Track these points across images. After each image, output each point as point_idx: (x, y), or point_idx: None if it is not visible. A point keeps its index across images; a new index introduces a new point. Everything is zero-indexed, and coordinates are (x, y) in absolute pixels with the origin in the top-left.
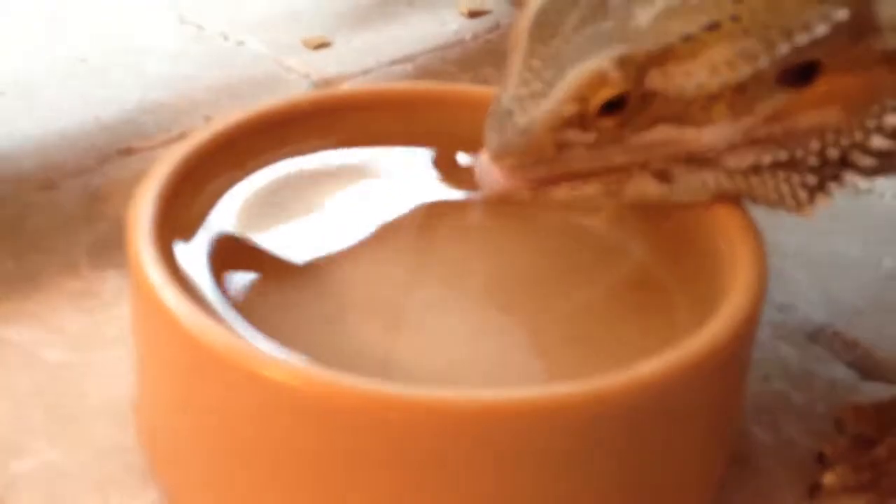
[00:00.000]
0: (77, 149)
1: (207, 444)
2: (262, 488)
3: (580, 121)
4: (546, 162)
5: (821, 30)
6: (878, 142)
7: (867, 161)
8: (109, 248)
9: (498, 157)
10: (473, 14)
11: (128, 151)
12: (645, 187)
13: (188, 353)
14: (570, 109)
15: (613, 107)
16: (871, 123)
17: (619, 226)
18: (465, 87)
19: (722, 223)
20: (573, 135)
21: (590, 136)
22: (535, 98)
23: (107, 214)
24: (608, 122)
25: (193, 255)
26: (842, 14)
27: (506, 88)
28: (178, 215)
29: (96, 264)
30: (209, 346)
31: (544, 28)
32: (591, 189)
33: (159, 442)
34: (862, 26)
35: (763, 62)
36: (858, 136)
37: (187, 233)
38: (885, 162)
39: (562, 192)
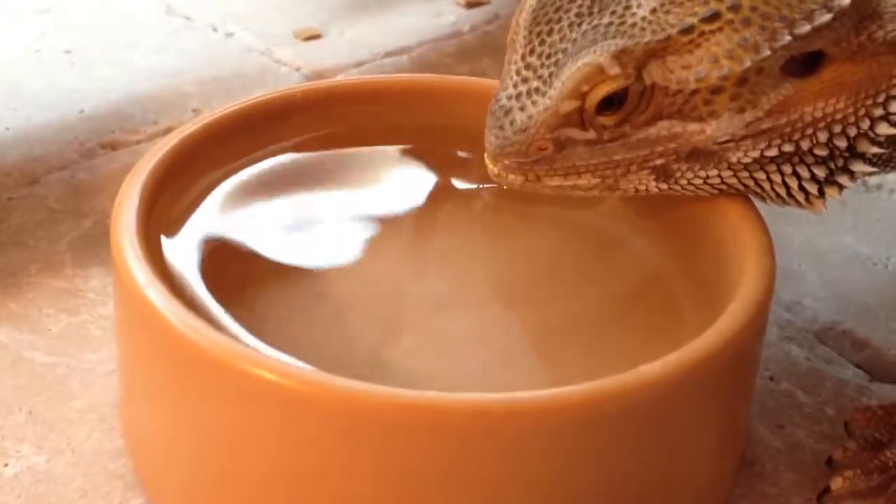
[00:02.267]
0: (61, 142)
1: (194, 448)
2: (251, 493)
3: (579, 118)
4: (546, 160)
5: (823, 18)
6: (884, 130)
7: (875, 150)
8: (94, 245)
9: (497, 156)
10: (471, 4)
11: (113, 145)
12: (643, 184)
13: (174, 354)
14: (568, 106)
15: (612, 103)
16: (877, 112)
17: (623, 221)
18: (462, 80)
19: (728, 218)
20: (572, 133)
21: (589, 134)
22: (532, 96)
23: (91, 210)
24: (607, 120)
25: (180, 252)
26: (844, 2)
27: (504, 86)
28: (165, 211)
29: (81, 261)
30: (196, 346)
31: (542, 24)
32: (585, 181)
33: (145, 446)
34: (865, 14)
35: (765, 52)
36: (865, 125)
37: (174, 229)
38: (893, 151)
39: (555, 182)
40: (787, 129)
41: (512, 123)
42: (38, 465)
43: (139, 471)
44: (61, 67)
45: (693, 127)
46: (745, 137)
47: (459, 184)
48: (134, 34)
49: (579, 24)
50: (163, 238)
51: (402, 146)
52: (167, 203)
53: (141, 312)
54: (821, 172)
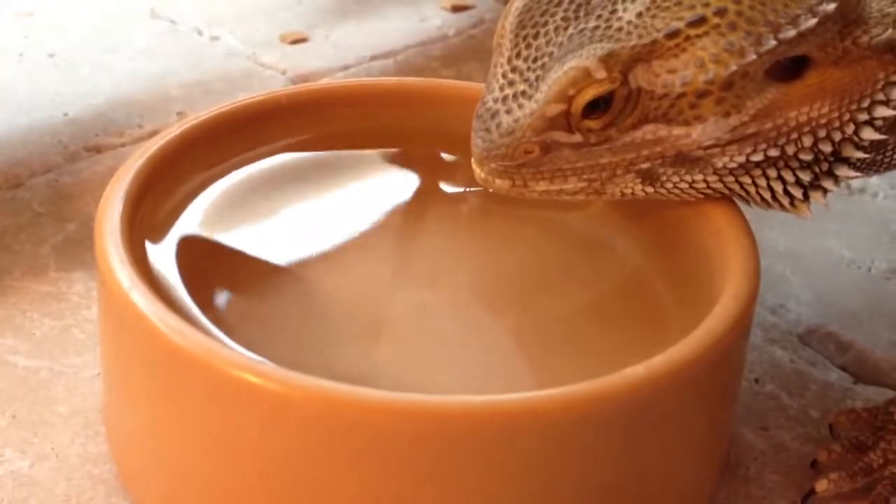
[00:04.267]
0: (45, 146)
1: (179, 452)
2: (236, 497)
3: (565, 122)
4: (532, 163)
5: (808, 23)
6: (869, 135)
7: (859, 154)
8: (78, 249)
9: (483, 159)
10: (456, 8)
11: (97, 149)
12: (629, 187)
13: (159, 358)
14: (554, 110)
15: (598, 107)
16: (861, 117)
17: (608, 224)
18: (448, 83)
19: (713, 221)
20: (558, 136)
21: (576, 137)
22: (519, 99)
23: (75, 213)
24: (594, 124)
25: (164, 255)
26: (829, 7)
27: (490, 89)
28: (149, 215)
29: (64, 265)
30: (181, 349)
31: (528, 27)
32: (571, 185)
33: (129, 450)
34: (850, 19)
35: (750, 57)
36: (850, 129)
37: (158, 233)
38: (878, 156)
39: (542, 186)
40: (773, 134)
41: (498, 126)
42: (22, 470)
43: (123, 475)
44: (45, 71)
45: (678, 131)
46: (730, 142)
47: (445, 187)
48: (118, 37)
49: (565, 28)
50: (147, 241)
51: (387, 149)
52: (151, 206)
53: (125, 316)
54: (805, 177)
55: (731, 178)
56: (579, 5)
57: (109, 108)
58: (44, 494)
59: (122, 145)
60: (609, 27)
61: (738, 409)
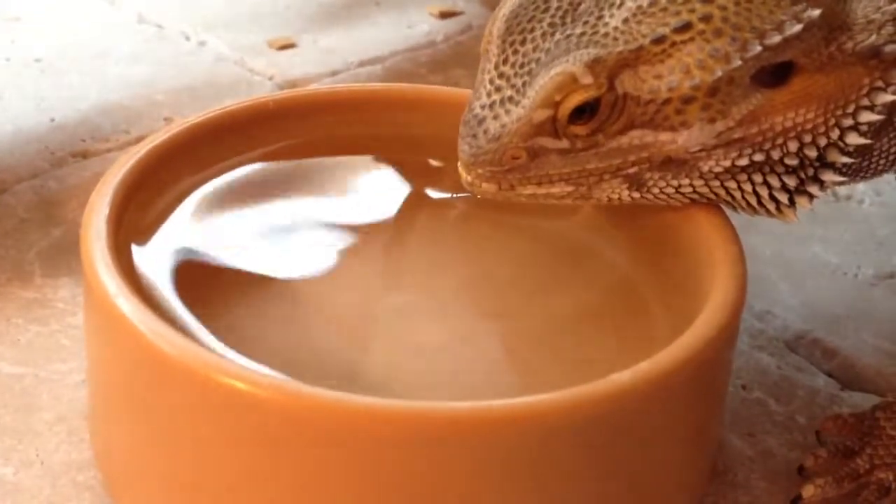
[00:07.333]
0: (31, 151)
1: (164, 459)
2: None
3: (552, 127)
4: (519, 169)
5: (793, 29)
6: (854, 140)
7: (844, 160)
8: (64, 255)
9: (470, 165)
10: (444, 15)
11: (84, 154)
12: (616, 192)
13: (145, 364)
14: (541, 115)
15: (585, 112)
16: (847, 122)
17: (596, 230)
18: (435, 89)
19: (700, 228)
20: (545, 141)
21: (562, 143)
22: (506, 105)
23: (61, 219)
24: (580, 130)
25: (151, 261)
26: (814, 13)
27: (477, 95)
28: (135, 220)
29: (50, 271)
30: (167, 356)
31: (515, 33)
32: (558, 189)
33: (114, 457)
34: (834, 25)
35: (736, 63)
36: (835, 134)
37: (144, 239)
38: (863, 161)
39: (528, 190)
40: (758, 139)
41: (485, 132)
42: (6, 477)
43: (108, 482)
44: (31, 76)
45: (665, 136)
46: (716, 147)
47: (433, 193)
48: (105, 43)
49: (552, 34)
50: (133, 247)
51: (375, 155)
52: (138, 212)
53: (111, 322)
54: (791, 182)
55: (717, 183)
56: (566, 11)
57: (96, 113)
58: (28, 501)
59: (109, 151)
60: (595, 33)
61: (725, 416)
